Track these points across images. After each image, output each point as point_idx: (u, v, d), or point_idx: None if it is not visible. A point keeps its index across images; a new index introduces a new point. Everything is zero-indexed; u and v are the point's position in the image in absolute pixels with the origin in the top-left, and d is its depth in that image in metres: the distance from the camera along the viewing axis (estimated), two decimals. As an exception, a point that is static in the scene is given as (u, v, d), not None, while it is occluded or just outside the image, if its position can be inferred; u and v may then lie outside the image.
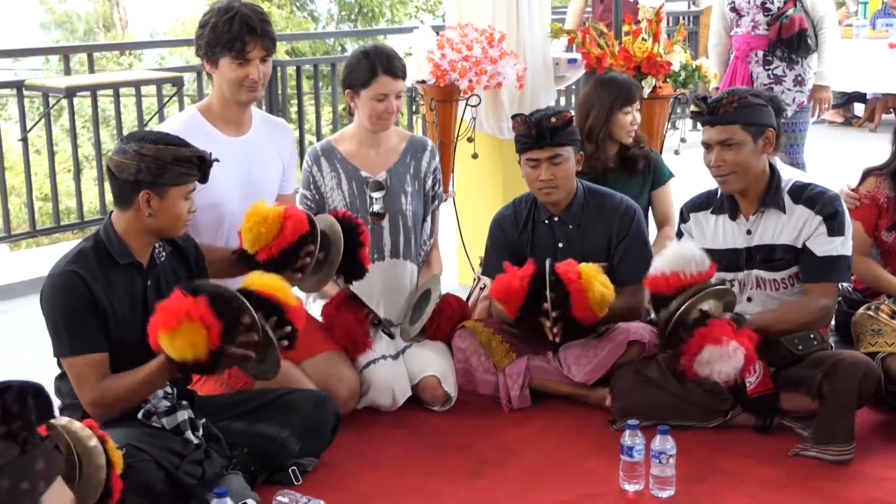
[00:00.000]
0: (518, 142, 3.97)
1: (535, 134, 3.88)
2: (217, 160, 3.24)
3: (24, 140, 6.28)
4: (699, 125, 3.83)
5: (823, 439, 3.45)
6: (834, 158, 8.14)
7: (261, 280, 3.18)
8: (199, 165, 3.15)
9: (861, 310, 4.03)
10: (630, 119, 4.61)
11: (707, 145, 3.67)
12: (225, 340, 2.93)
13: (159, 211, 3.10)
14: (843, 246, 3.64)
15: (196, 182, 3.18)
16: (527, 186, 4.06)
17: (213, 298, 2.93)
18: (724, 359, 3.39)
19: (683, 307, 3.48)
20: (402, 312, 4.10)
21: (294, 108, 7.29)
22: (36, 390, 1.59)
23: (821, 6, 5.69)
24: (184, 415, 3.16)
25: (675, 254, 3.61)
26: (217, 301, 2.94)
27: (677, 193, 4.62)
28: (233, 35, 3.58)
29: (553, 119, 3.87)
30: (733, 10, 5.79)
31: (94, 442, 2.55)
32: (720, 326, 3.42)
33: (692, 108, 3.75)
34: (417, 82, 4.88)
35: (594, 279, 3.68)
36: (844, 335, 4.18)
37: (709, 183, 3.85)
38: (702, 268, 3.56)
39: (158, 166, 3.06)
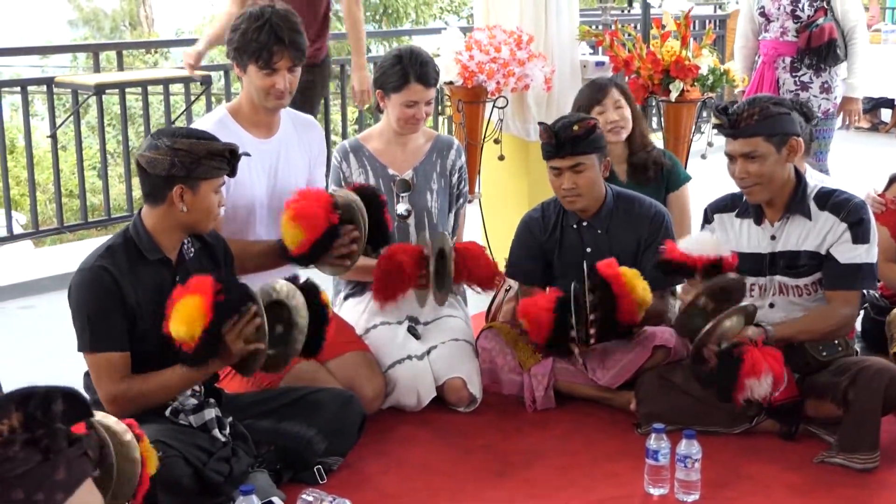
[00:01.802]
0: (543, 149, 3.96)
1: (556, 143, 3.86)
2: (247, 154, 3.28)
3: (53, 137, 6.32)
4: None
5: (849, 446, 3.43)
6: (861, 164, 8.10)
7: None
8: (230, 159, 3.18)
9: (896, 310, 4.01)
10: (603, 119, 4.45)
11: (730, 157, 3.64)
12: (220, 319, 3.01)
13: (192, 205, 3.13)
14: (867, 253, 3.60)
15: (225, 176, 3.21)
16: (552, 189, 4.06)
17: (223, 283, 3.05)
18: (762, 384, 3.39)
19: (708, 327, 3.48)
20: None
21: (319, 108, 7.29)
22: (66, 393, 1.57)
23: (852, 16, 5.58)
24: (211, 413, 3.18)
25: (696, 239, 3.64)
26: (227, 286, 3.05)
27: (703, 197, 4.58)
28: (260, 45, 3.58)
29: (575, 127, 3.85)
30: (762, 14, 5.69)
31: (129, 437, 2.56)
32: (753, 356, 3.40)
33: (714, 120, 3.72)
34: (445, 83, 4.88)
35: (636, 280, 3.69)
36: (871, 342, 4.17)
37: (732, 188, 3.83)
38: (720, 252, 3.56)
39: (192, 160, 3.08)
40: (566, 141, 3.85)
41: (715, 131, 3.80)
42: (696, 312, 3.57)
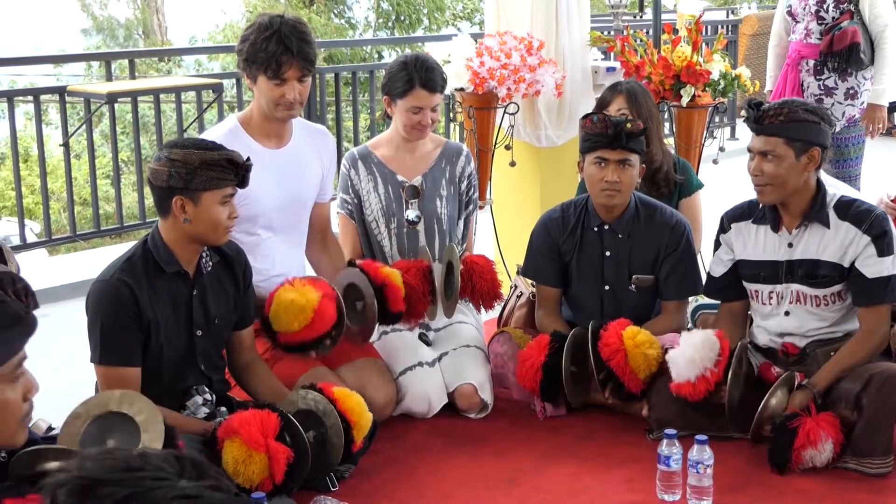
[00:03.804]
0: (588, 140, 3.91)
1: (612, 134, 3.84)
2: (250, 163, 3.23)
3: (66, 145, 6.34)
4: (736, 135, 3.80)
5: (862, 451, 3.42)
6: (874, 168, 8.06)
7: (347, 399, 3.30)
8: (234, 170, 3.13)
9: (897, 325, 3.99)
10: None
11: (750, 152, 3.64)
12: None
13: (195, 217, 3.11)
14: (893, 265, 3.57)
15: (234, 187, 3.17)
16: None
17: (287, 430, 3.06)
18: (823, 451, 3.40)
19: (758, 411, 3.49)
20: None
21: (331, 115, 7.31)
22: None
23: (882, 20, 5.39)
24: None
25: (695, 344, 3.59)
26: (290, 432, 3.07)
27: (714, 202, 4.58)
28: (269, 55, 3.56)
29: (629, 125, 3.86)
30: (790, 14, 5.60)
31: None
32: (808, 426, 3.39)
33: (743, 112, 3.70)
34: (456, 90, 4.89)
35: (640, 348, 3.69)
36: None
37: (744, 194, 3.82)
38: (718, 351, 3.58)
39: (188, 171, 3.06)
40: (622, 133, 3.84)
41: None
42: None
